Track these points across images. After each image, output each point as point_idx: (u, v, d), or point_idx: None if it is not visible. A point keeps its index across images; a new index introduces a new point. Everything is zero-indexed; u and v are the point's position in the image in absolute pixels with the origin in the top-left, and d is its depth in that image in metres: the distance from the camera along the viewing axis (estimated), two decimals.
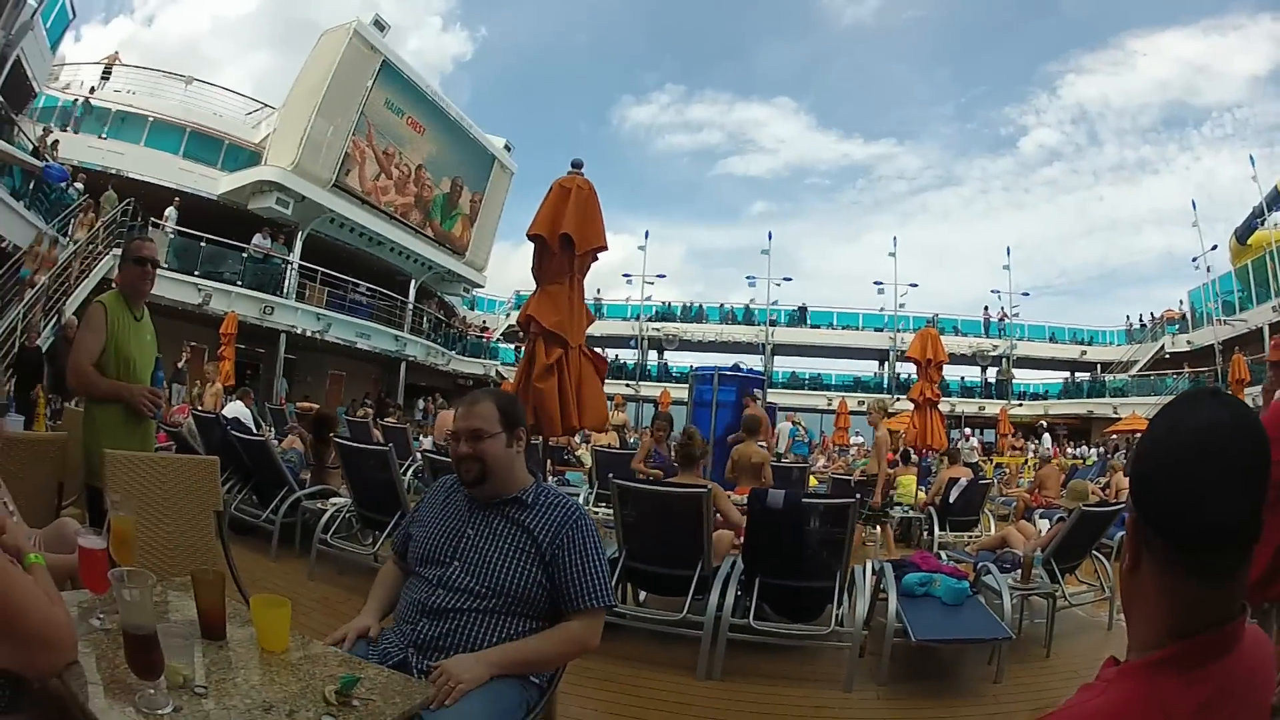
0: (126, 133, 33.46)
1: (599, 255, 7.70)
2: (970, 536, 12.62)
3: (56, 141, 27.26)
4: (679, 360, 52.77)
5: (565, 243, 7.24)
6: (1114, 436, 37.94)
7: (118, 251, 22.89)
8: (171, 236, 28.67)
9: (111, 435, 4.96)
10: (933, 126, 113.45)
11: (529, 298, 7.71)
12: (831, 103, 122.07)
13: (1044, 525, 11.02)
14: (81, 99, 33.61)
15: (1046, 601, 7.67)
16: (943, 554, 9.09)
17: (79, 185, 26.16)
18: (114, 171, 30.49)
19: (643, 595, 7.50)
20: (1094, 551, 8.68)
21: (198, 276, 28.32)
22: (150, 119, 33.80)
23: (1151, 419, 1.33)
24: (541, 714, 3.23)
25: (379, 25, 34.00)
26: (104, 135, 33.05)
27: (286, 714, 2.10)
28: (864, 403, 43.03)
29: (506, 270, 79.49)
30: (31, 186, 23.87)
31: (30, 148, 24.34)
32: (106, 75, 36.09)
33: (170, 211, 29.23)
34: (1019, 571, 7.69)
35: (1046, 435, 40.35)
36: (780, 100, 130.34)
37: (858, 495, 7.82)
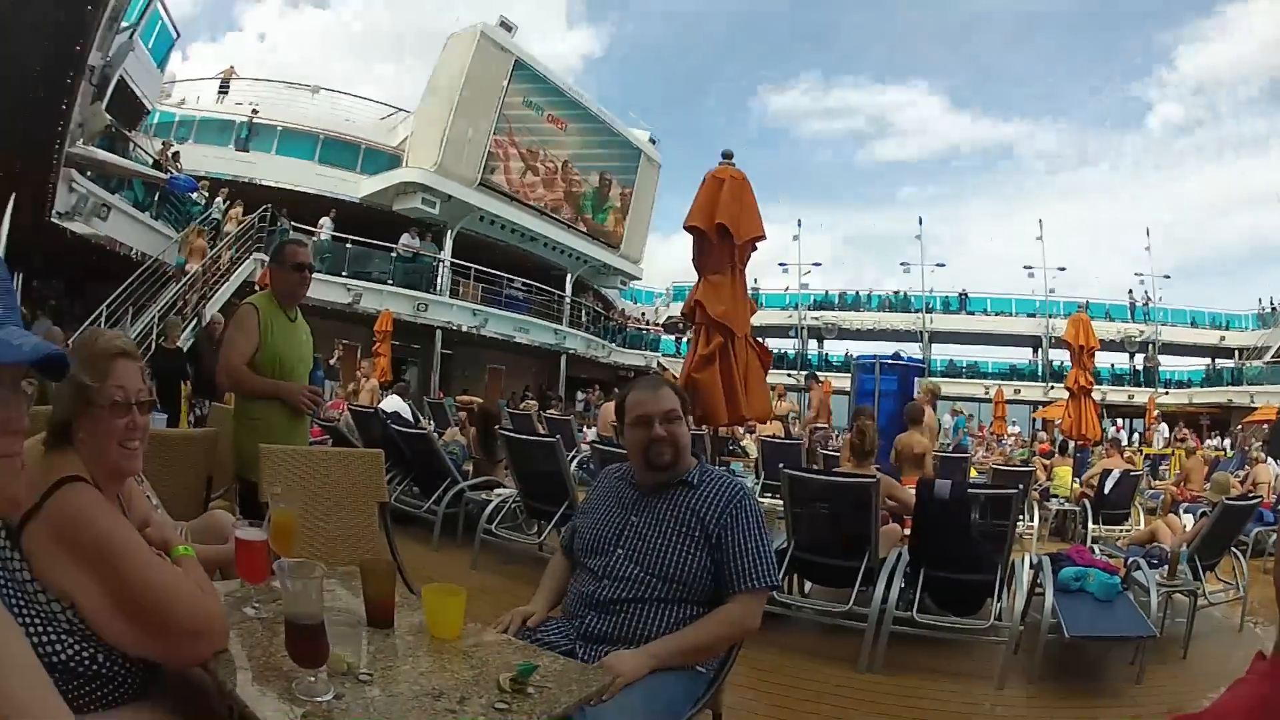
0: (255, 143, 34.41)
1: (757, 245, 7.65)
2: (1122, 530, 12.37)
3: (177, 153, 27.93)
4: (839, 349, 51.70)
5: (723, 233, 7.23)
6: (1239, 428, 36.19)
7: (258, 256, 24.03)
8: (325, 242, 29.36)
9: (268, 431, 5.02)
10: (1062, 104, 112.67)
11: (693, 288, 7.71)
12: (965, 83, 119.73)
13: (1189, 520, 10.76)
14: (247, 118, 34.56)
15: (1188, 600, 7.42)
16: (1095, 548, 8.86)
17: (219, 194, 26.95)
18: (245, 180, 31.06)
19: (808, 586, 7.48)
20: (1231, 548, 8.48)
21: (345, 277, 28.75)
22: (279, 128, 34.67)
23: None
24: (706, 703, 3.21)
25: (505, 26, 34.01)
26: (232, 146, 34.08)
27: (457, 700, 2.10)
28: (1019, 390, 42.52)
29: (658, 262, 79.24)
30: (156, 198, 24.73)
31: (150, 161, 25.12)
32: (224, 89, 37.04)
33: (325, 221, 29.89)
34: (1165, 567, 7.50)
35: (1163, 425, 38.88)
36: (916, 82, 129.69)
37: (1019, 486, 7.66)
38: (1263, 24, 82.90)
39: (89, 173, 20.05)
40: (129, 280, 21.19)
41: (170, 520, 3.00)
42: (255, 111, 34.68)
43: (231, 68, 38.69)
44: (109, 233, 21.74)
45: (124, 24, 18.02)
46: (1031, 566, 6.84)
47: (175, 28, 27.73)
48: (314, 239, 28.58)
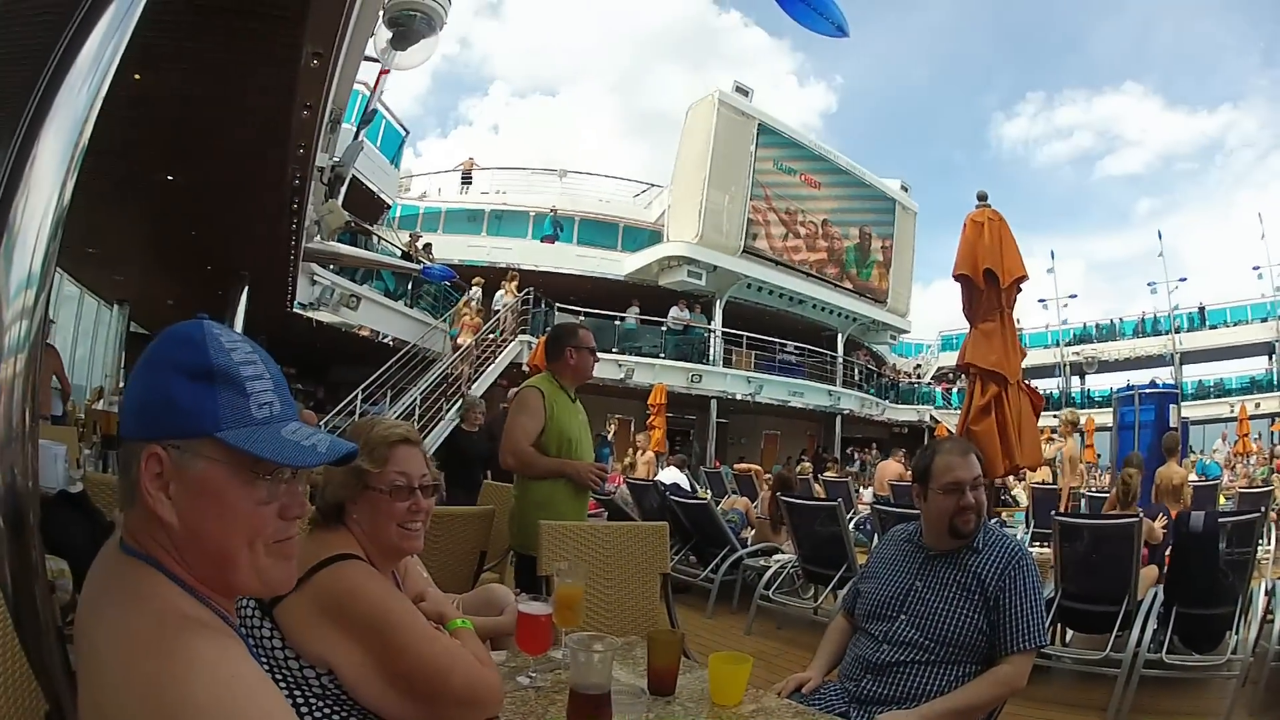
0: (506, 229, 35.85)
1: (1021, 286, 7.57)
2: None
3: (429, 245, 29.16)
4: (1099, 383, 48.85)
5: (989, 278, 7.22)
6: None
7: (526, 338, 24.98)
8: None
9: (553, 508, 5.14)
10: (1250, 80, 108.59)
11: (965, 338, 7.71)
12: (1169, 77, 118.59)
13: None
14: (551, 211, 35.77)
15: None
16: None
17: (502, 284, 27.70)
18: (503, 266, 31.42)
19: (1069, 634, 7.32)
20: None
21: (616, 353, 28.97)
22: (531, 214, 35.86)
23: None
24: None
25: (742, 91, 34.40)
26: (483, 233, 35.59)
27: None
28: (1259, 404, 39.61)
29: (924, 311, 77.62)
30: (410, 286, 26.37)
31: (398, 253, 26.58)
32: (467, 180, 38.67)
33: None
34: None
35: None
36: (1128, 86, 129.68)
37: (1260, 509, 7.34)
38: None
39: (331, 266, 21.51)
40: (387, 364, 22.48)
41: (441, 594, 3.09)
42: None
43: (471, 159, 40.43)
44: (361, 321, 23.63)
45: (345, 124, 19.03)
46: (1266, 593, 6.59)
47: (402, 126, 29.42)
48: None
